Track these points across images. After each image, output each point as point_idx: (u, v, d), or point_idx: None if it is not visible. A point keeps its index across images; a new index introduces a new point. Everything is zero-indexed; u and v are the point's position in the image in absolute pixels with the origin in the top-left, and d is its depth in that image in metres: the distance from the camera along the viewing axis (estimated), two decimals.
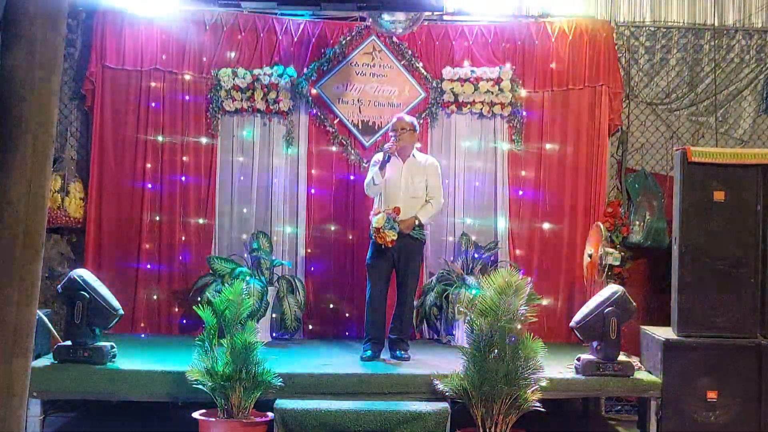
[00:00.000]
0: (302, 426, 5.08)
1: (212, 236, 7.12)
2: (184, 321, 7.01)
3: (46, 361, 5.46)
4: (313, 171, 7.19)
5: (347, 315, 7.13)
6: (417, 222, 6.05)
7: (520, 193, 7.23)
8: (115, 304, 5.65)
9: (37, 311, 3.59)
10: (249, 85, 7.08)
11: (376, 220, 5.88)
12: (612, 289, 5.85)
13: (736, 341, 5.69)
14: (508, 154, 7.23)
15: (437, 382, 5.30)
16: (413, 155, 6.21)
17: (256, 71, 7.08)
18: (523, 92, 7.21)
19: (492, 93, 7.15)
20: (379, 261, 6.04)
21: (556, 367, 5.69)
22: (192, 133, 7.13)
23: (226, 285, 5.93)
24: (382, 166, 6.03)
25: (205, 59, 7.13)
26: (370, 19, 6.67)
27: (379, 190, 6.10)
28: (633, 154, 7.33)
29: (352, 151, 7.14)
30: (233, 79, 7.06)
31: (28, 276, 3.22)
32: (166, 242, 7.06)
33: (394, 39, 7.15)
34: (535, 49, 7.23)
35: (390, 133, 6.16)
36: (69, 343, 5.47)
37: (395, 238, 5.87)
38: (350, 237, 7.15)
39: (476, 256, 6.93)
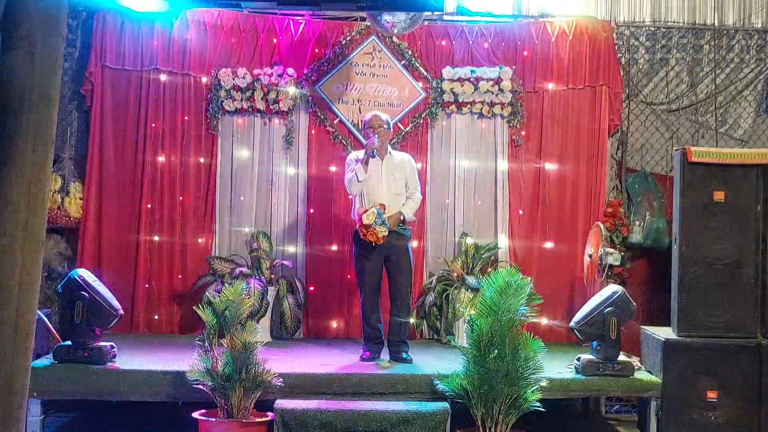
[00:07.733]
0: (302, 426, 5.08)
1: (212, 236, 7.12)
2: (184, 321, 7.01)
3: (46, 361, 5.46)
4: (313, 171, 7.19)
5: (347, 315, 7.12)
6: (402, 218, 6.04)
7: (520, 193, 7.23)
8: (115, 304, 5.65)
9: (37, 311, 3.59)
10: (249, 85, 7.07)
11: (366, 216, 5.80)
12: (612, 289, 5.85)
13: (736, 341, 5.69)
14: (508, 154, 7.23)
15: (437, 382, 5.30)
16: (389, 153, 6.19)
17: (256, 71, 7.08)
18: (523, 92, 7.21)
19: (492, 93, 7.15)
20: (368, 261, 6.00)
21: (556, 367, 5.69)
22: (192, 133, 7.13)
23: (226, 285, 5.93)
24: (366, 163, 6.01)
25: (205, 59, 7.13)
26: (370, 19, 6.67)
27: (362, 187, 6.05)
28: (633, 154, 7.33)
29: (352, 151, 7.13)
30: (233, 79, 7.05)
31: (28, 276, 3.23)
32: (165, 242, 7.06)
33: (394, 39, 7.15)
34: (535, 49, 7.23)
35: (368, 131, 6.11)
36: (69, 343, 5.47)
37: (386, 234, 5.82)
38: (350, 237, 7.13)
39: (476, 256, 6.94)
